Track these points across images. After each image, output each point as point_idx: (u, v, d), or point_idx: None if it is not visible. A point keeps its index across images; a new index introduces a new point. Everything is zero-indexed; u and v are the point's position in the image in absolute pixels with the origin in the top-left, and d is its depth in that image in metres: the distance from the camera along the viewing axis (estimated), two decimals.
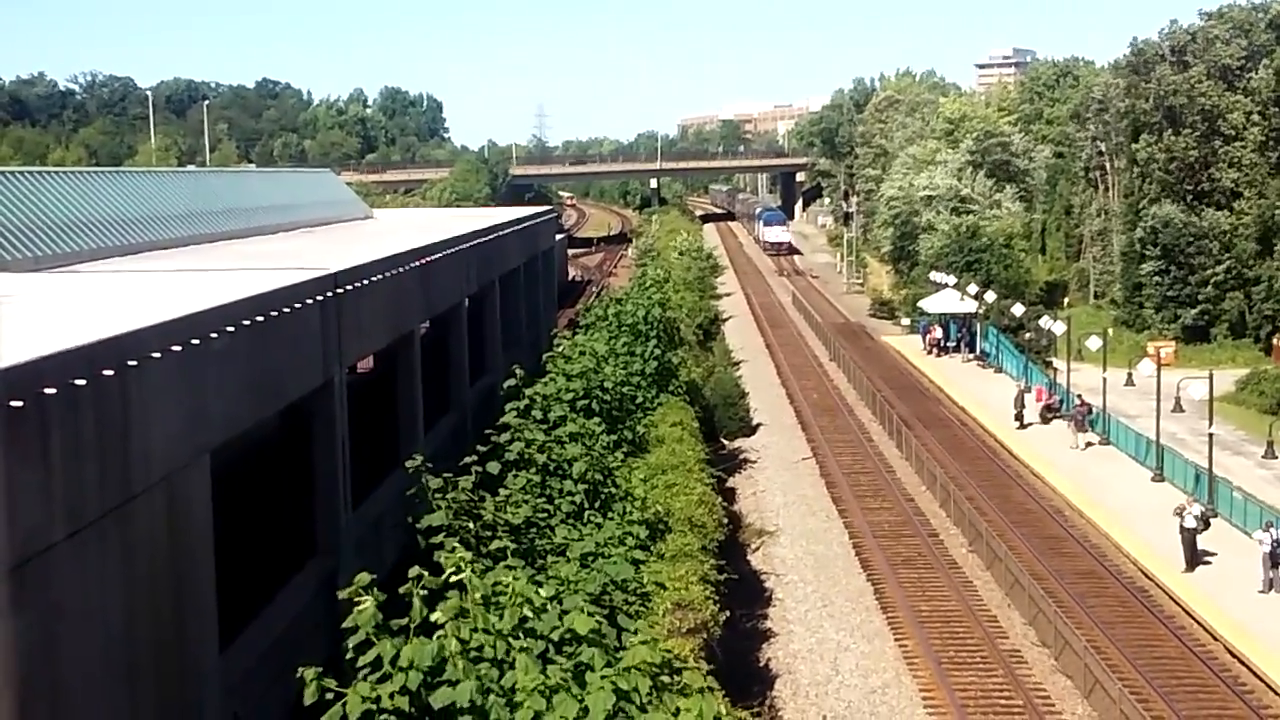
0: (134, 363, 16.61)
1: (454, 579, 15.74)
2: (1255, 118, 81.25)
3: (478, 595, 15.46)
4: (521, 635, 15.04)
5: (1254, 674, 30.01)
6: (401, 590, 15.17)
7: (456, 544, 18.92)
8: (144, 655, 16.87)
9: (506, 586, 15.75)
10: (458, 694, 13.98)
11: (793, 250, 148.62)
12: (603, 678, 14.03)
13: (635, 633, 18.75)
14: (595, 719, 13.67)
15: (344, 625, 14.97)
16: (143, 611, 16.96)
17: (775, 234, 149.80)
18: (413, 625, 14.70)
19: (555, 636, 15.22)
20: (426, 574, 15.48)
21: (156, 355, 17.40)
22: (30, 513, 13.43)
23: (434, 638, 14.46)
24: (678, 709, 14.63)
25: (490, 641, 14.73)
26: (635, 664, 14.36)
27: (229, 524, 21.20)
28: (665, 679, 15.19)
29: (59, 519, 14.36)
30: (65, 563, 14.60)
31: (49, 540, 13.95)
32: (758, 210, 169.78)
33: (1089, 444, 52.44)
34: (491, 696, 14.07)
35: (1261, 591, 34.59)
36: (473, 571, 15.83)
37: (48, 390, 14.16)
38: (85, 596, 15.27)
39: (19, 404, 13.00)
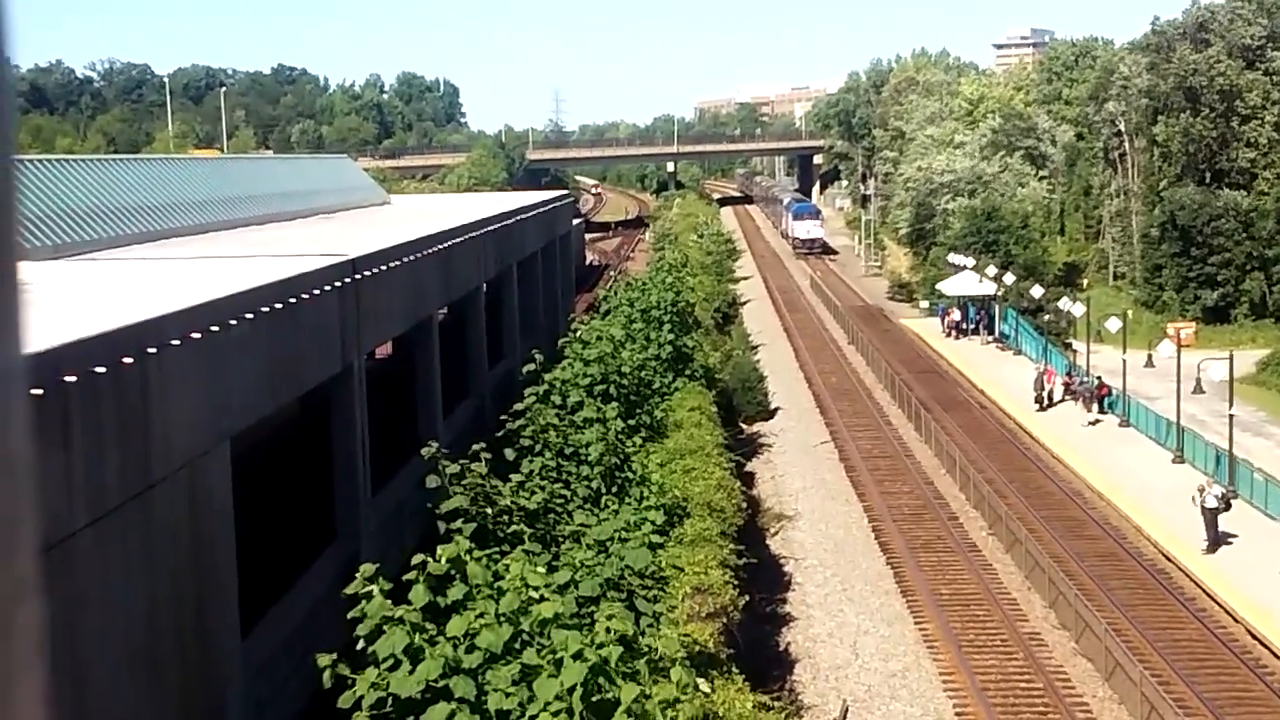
0: (154, 350, 16.69)
1: (456, 566, 15.88)
2: (1275, 94, 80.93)
3: (479, 581, 15.59)
4: (521, 619, 15.17)
5: (1276, 656, 29.98)
6: (405, 578, 15.29)
7: (465, 528, 19.03)
8: (166, 641, 16.97)
9: (507, 571, 15.87)
10: (416, 677, 14.16)
11: (827, 249, 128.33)
12: (574, 657, 14.17)
13: (654, 617, 18.86)
14: (575, 696, 13.84)
15: (351, 615, 15.08)
16: (165, 597, 17.06)
17: (806, 229, 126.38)
18: (408, 613, 14.82)
19: (533, 622, 15.33)
20: (431, 560, 15.59)
21: (176, 342, 17.48)
22: (52, 500, 13.50)
23: (400, 627, 14.62)
24: (654, 678, 14.80)
25: (488, 625, 14.84)
26: (603, 638, 14.52)
27: (250, 510, 21.31)
28: (638, 645, 15.36)
29: (81, 506, 14.44)
30: (87, 549, 14.69)
31: (71, 527, 14.03)
32: (785, 200, 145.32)
33: (1096, 421, 52.78)
34: (458, 678, 14.18)
35: None
36: (475, 559, 15.97)
37: (68, 378, 14.23)
38: (107, 583, 15.36)
39: (39, 391, 13.07)
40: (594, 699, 14.07)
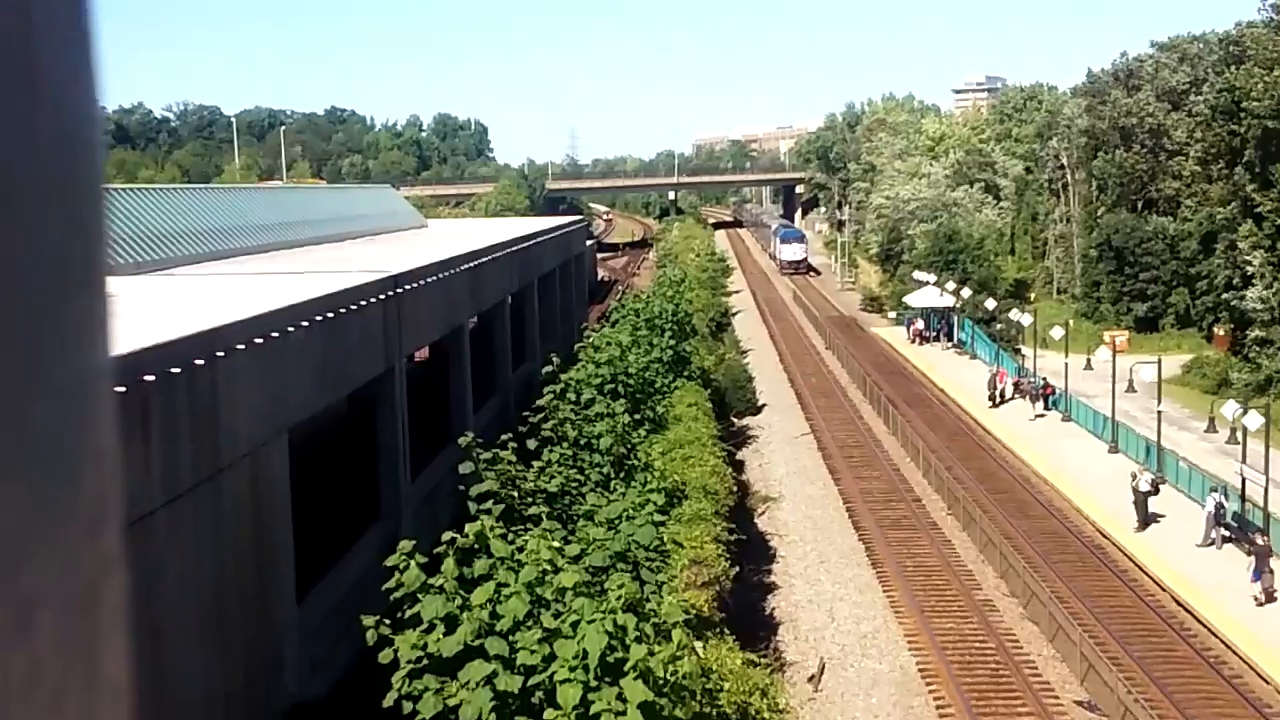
0: (222, 353, 16.73)
1: (481, 541, 15.88)
2: (1197, 133, 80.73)
3: (502, 555, 15.60)
4: (539, 589, 15.18)
5: (1196, 619, 29.94)
6: (436, 552, 15.29)
7: (494, 509, 19.01)
8: (231, 606, 16.99)
9: (526, 545, 15.88)
10: (455, 638, 14.18)
11: (810, 269, 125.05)
12: (589, 622, 14.21)
13: (657, 586, 18.86)
14: (592, 656, 13.86)
15: (387, 586, 15.08)
16: (230, 569, 17.09)
17: (792, 252, 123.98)
18: (446, 582, 14.82)
19: (554, 590, 15.34)
20: (459, 537, 15.60)
21: (242, 347, 17.52)
22: (132, 484, 13.51)
23: (437, 595, 14.60)
24: (657, 639, 14.82)
25: (515, 593, 14.84)
26: (615, 605, 14.54)
27: (305, 492, 21.34)
28: (646, 610, 15.41)
29: (157, 489, 14.48)
30: (163, 526, 14.72)
31: (149, 507, 14.07)
32: (773, 226, 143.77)
33: (1041, 415, 52.80)
34: (492, 639, 14.20)
35: (1200, 545, 34.47)
36: (497, 535, 15.99)
37: (148, 377, 14.27)
38: (180, 555, 15.39)
39: (123, 389, 13.11)
40: (607, 659, 14.11)
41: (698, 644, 17.17)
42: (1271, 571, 31.11)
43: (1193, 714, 24.93)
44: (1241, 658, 27.69)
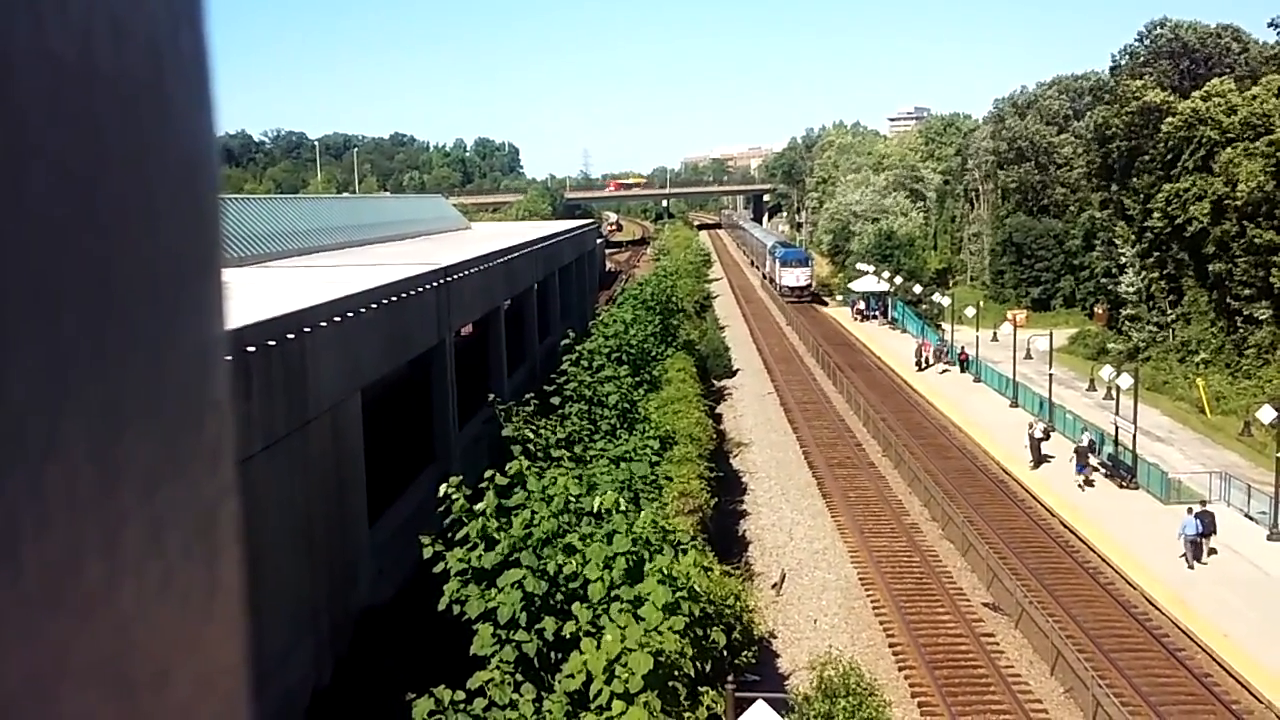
0: (308, 329, 16.74)
1: (518, 479, 15.90)
2: (1079, 151, 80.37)
3: (535, 489, 15.63)
4: (566, 514, 15.20)
5: (1077, 536, 30.04)
6: (480, 486, 15.34)
7: (516, 449, 19.04)
8: (317, 528, 17.07)
9: (554, 483, 15.91)
10: (495, 553, 14.25)
11: (817, 299, 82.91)
12: (624, 534, 14.29)
13: (651, 510, 18.87)
14: (617, 562, 13.92)
15: (440, 510, 15.13)
16: (316, 499, 17.15)
17: (795, 276, 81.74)
18: (488, 509, 14.85)
19: (589, 510, 15.37)
20: (498, 474, 15.64)
21: (323, 323, 17.52)
22: (238, 432, 13.53)
23: (479, 519, 14.61)
24: (676, 555, 14.87)
25: (543, 517, 14.86)
26: (644, 524, 14.62)
27: (375, 439, 21.40)
28: (666, 535, 15.45)
29: (258, 437, 14.51)
30: (263, 465, 14.76)
31: (251, 451, 14.11)
32: (770, 244, 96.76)
33: (945, 370, 53.27)
34: (524, 553, 14.28)
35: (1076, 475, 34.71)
36: (533, 473, 16.02)
37: (249, 348, 14.29)
38: (277, 488, 15.45)
39: (229, 358, 13.10)
40: (628, 566, 14.16)
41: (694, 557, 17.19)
42: (1091, 469, 34.16)
43: (1075, 613, 25.06)
44: (1104, 559, 27.81)
